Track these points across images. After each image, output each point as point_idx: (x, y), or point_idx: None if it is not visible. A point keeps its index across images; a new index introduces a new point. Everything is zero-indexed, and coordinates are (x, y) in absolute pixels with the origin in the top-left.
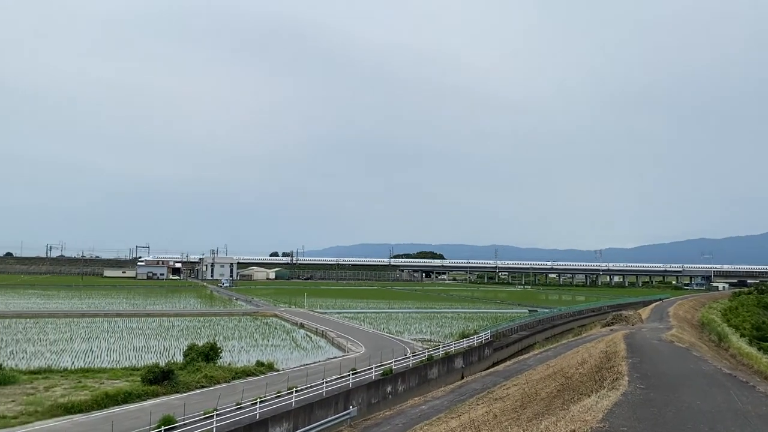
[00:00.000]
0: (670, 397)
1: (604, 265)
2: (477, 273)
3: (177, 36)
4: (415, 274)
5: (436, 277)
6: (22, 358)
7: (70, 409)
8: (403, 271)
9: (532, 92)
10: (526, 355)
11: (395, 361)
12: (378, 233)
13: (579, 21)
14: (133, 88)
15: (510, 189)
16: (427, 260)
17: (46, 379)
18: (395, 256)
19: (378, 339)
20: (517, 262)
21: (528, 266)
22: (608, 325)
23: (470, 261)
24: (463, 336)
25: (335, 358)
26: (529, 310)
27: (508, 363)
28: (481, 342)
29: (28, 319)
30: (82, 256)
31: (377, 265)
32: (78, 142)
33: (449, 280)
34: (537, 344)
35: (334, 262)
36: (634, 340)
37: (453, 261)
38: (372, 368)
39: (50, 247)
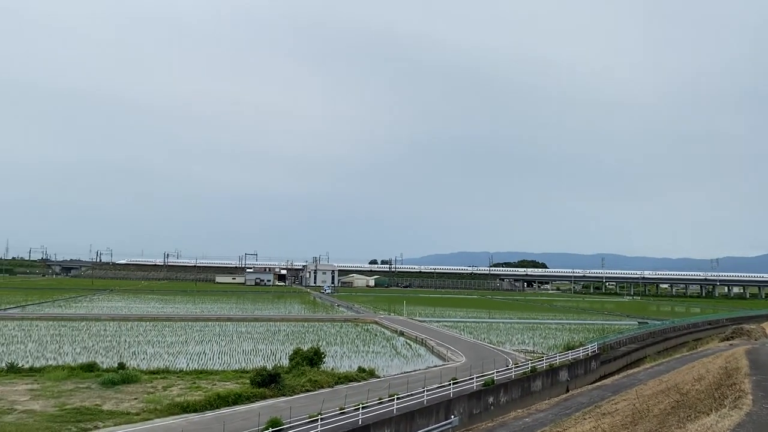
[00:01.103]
0: None
1: (722, 275)
2: (582, 283)
3: (283, 51)
4: (516, 284)
5: (539, 286)
6: (143, 358)
7: (185, 408)
8: (503, 280)
9: (635, 94)
10: (635, 369)
11: (497, 372)
12: (477, 241)
13: (688, 20)
14: (241, 103)
15: (617, 195)
16: (529, 269)
17: (164, 379)
18: (495, 265)
19: (479, 349)
20: (625, 271)
21: (637, 276)
22: (727, 339)
23: (575, 270)
24: (568, 348)
25: (435, 366)
26: (639, 322)
27: (616, 377)
28: (587, 354)
29: (148, 323)
30: (196, 263)
31: (477, 274)
32: (192, 155)
33: (552, 290)
34: (648, 358)
35: (433, 270)
36: (757, 356)
37: (556, 270)
38: (473, 378)
39: (167, 255)
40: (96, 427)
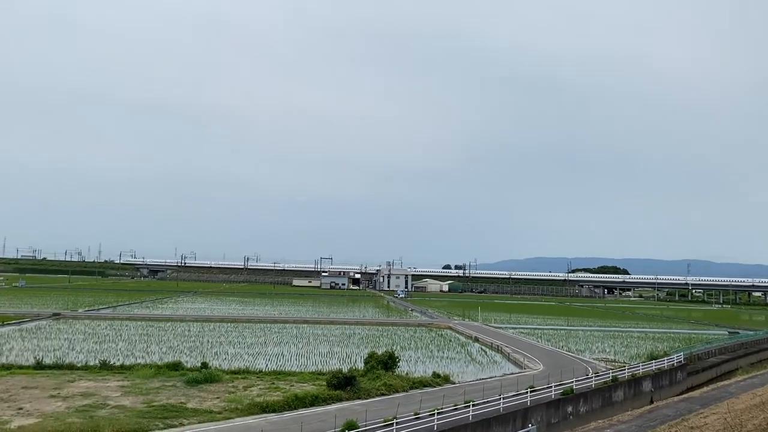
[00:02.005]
0: None
1: None
2: (666, 290)
3: (357, 56)
4: (595, 290)
5: (620, 293)
6: (225, 359)
7: (265, 408)
8: (582, 286)
9: (723, 95)
10: (726, 382)
11: (576, 381)
12: (554, 246)
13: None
14: (321, 111)
15: (703, 197)
16: (609, 275)
17: (244, 379)
18: (573, 271)
19: (556, 356)
20: (713, 278)
21: (726, 283)
22: None
23: (658, 276)
24: (652, 357)
25: (512, 374)
26: (729, 332)
27: (704, 389)
28: (673, 365)
29: (229, 324)
30: (274, 266)
31: (554, 280)
32: (266, 161)
33: (634, 297)
34: (739, 370)
35: (508, 276)
36: None
37: (638, 276)
38: (551, 386)
39: (247, 259)
40: (181, 424)
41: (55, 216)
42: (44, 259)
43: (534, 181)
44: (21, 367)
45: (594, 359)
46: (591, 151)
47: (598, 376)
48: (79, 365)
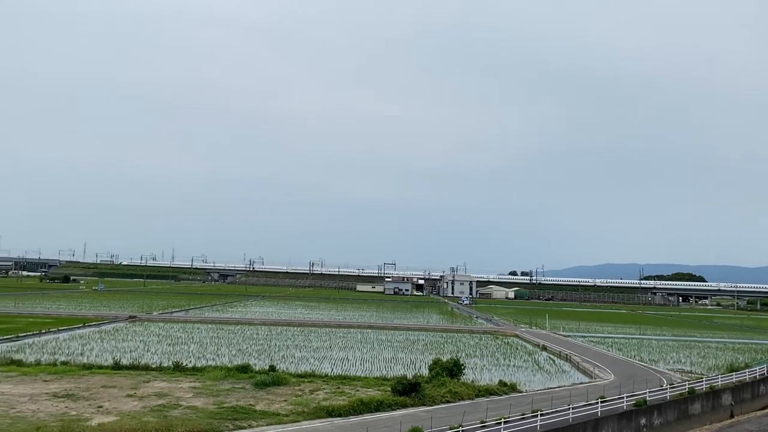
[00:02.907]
0: None
1: None
2: (747, 298)
3: (414, 60)
4: (669, 298)
5: (696, 301)
6: (291, 362)
7: (330, 413)
8: (655, 294)
9: None
10: None
11: (649, 392)
12: (625, 252)
13: None
14: (384, 116)
15: None
16: (684, 283)
17: (310, 382)
18: (646, 278)
19: (628, 367)
20: None
21: None
22: None
23: (738, 285)
24: (732, 369)
25: (581, 383)
26: None
27: None
28: (755, 377)
29: (295, 328)
30: (338, 272)
31: (625, 287)
32: (333, 167)
33: (712, 305)
34: None
35: (577, 283)
36: None
37: (716, 284)
38: (623, 397)
39: (312, 264)
40: (250, 426)
41: (131, 222)
42: (121, 263)
43: (603, 184)
44: (101, 367)
45: (668, 370)
46: (662, 152)
47: (673, 387)
48: (153, 366)
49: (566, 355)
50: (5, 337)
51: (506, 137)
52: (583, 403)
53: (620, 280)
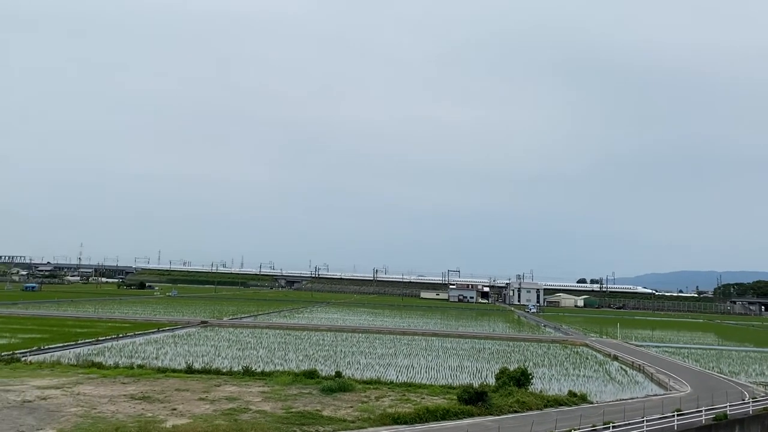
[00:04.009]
0: None
1: None
2: None
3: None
4: (751, 308)
5: None
6: (357, 368)
7: (396, 420)
8: (735, 302)
9: None
10: None
11: (730, 406)
12: (701, 259)
13: None
14: (445, 121)
15: None
16: None
17: (376, 389)
18: (724, 286)
19: (706, 378)
20: None
21: None
22: None
23: None
24: None
25: (655, 395)
26: None
27: None
28: None
29: (360, 334)
30: (402, 278)
31: (702, 297)
32: (397, 173)
33: None
34: None
35: (650, 292)
36: None
37: None
38: (701, 411)
39: (376, 270)
40: (317, 431)
41: (203, 230)
42: (193, 270)
43: (678, 186)
44: (174, 371)
45: (751, 383)
46: (743, 150)
47: (756, 401)
48: (224, 370)
49: (639, 365)
50: (87, 340)
51: (573, 140)
52: (658, 416)
53: (696, 289)
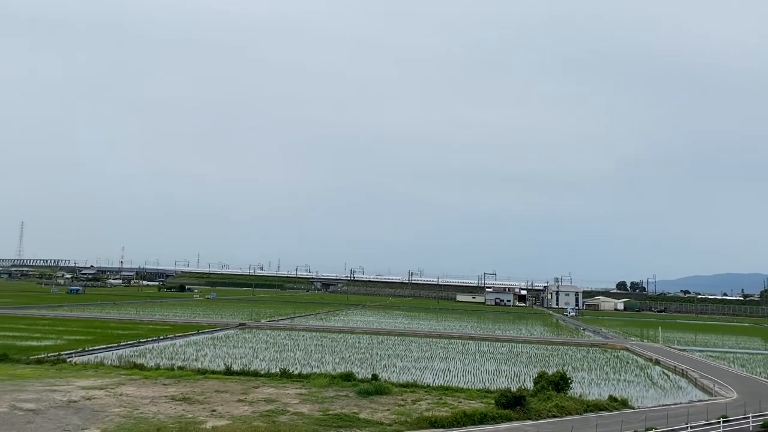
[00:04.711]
0: None
1: None
2: None
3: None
4: None
5: None
6: (393, 371)
7: (433, 423)
8: None
9: None
10: None
11: None
12: (746, 261)
13: None
14: (483, 123)
15: None
16: None
17: (412, 392)
18: None
19: (754, 384)
20: None
21: None
22: None
23: None
24: None
25: (699, 401)
26: None
27: None
28: None
29: (396, 337)
30: (437, 281)
31: (747, 300)
32: (430, 176)
33: None
34: None
35: (693, 295)
36: None
37: None
38: (749, 417)
39: (411, 273)
40: None
41: (241, 233)
42: (231, 273)
43: (723, 185)
44: (213, 372)
45: None
46: None
47: None
48: (262, 372)
49: (682, 370)
50: (129, 342)
51: (611, 139)
52: (703, 423)
53: (741, 292)
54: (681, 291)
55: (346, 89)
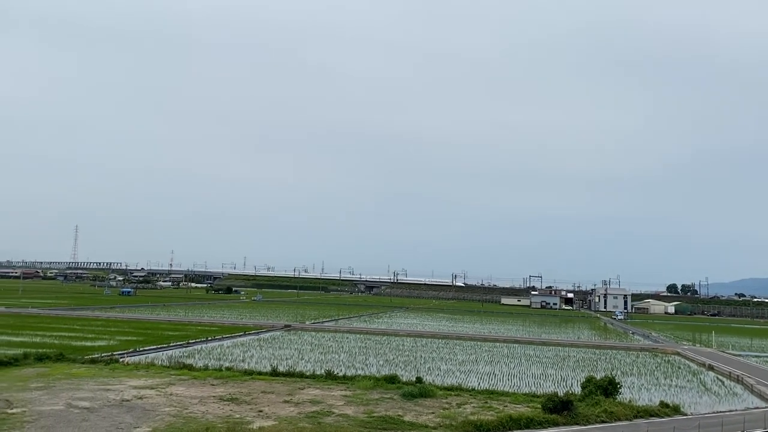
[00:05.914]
0: None
1: None
2: None
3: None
4: None
5: None
6: (437, 374)
7: (479, 427)
8: None
9: None
10: None
11: None
12: None
13: None
14: (521, 124)
15: None
16: None
17: (457, 396)
18: None
19: None
20: None
21: None
22: None
23: None
24: None
25: (756, 408)
26: None
27: None
28: None
29: (440, 340)
30: (482, 284)
31: None
32: (472, 178)
33: None
34: None
35: (748, 298)
36: None
37: None
38: None
39: (455, 276)
40: None
41: (286, 236)
42: (277, 275)
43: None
44: (260, 373)
45: None
46: None
47: None
48: (307, 374)
49: (737, 376)
50: (178, 343)
51: (661, 138)
52: (761, 431)
53: None
54: (735, 294)
55: (398, 93)
